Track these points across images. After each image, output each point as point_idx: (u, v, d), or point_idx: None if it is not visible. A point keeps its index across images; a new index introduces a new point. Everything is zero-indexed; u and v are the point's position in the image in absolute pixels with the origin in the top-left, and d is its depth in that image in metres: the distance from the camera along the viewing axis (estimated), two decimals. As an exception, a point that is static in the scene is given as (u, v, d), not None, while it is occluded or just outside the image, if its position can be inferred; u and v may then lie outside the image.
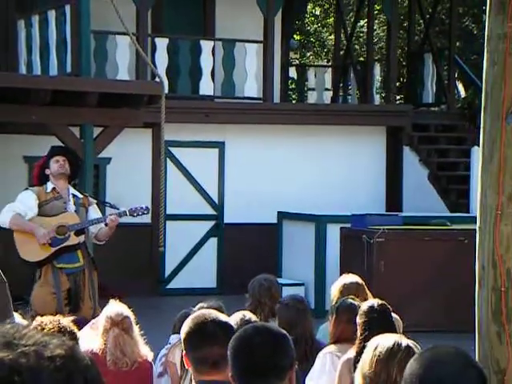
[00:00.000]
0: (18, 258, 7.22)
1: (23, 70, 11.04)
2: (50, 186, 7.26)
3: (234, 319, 4.67)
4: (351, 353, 4.43)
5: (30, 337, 1.23)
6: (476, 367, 1.90)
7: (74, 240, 7.15)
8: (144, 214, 7.57)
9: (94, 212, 7.39)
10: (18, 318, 4.75)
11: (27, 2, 12.24)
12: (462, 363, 1.88)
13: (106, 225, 7.22)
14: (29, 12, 11.52)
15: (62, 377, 1.19)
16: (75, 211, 7.23)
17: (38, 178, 7.34)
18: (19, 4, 12.04)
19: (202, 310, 3.24)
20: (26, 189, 7.52)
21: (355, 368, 4.31)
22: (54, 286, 7.05)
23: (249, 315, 4.72)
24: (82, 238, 7.25)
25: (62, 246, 7.08)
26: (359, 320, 4.46)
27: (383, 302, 4.61)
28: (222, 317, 3.08)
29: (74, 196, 7.32)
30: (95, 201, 7.65)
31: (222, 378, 2.88)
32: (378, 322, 4.38)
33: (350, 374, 4.37)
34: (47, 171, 7.25)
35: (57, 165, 7.20)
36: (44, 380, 1.17)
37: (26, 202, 7.22)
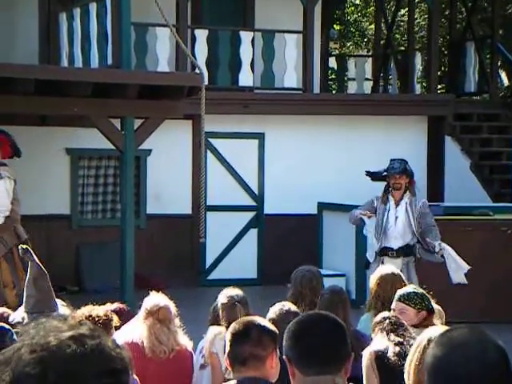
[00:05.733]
0: None
1: (65, 62, 11.13)
2: None
3: (273, 309, 4.69)
4: (378, 346, 4.44)
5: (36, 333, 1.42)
6: (492, 341, 1.86)
7: None
8: None
9: None
10: (62, 308, 4.80)
11: (69, -5, 12.35)
12: (480, 340, 1.84)
13: None
14: (70, 5, 11.61)
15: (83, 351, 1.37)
16: None
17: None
18: (61, -3, 12.15)
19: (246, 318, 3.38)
20: None
21: (376, 361, 4.35)
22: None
23: (288, 305, 4.73)
24: None
25: None
26: (373, 334, 4.54)
27: (395, 315, 4.67)
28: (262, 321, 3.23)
29: None
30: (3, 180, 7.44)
31: (255, 374, 2.97)
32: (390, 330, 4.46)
33: (372, 367, 4.39)
34: None
35: None
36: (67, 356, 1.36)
37: None
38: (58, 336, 1.38)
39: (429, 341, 3.25)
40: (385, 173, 8.27)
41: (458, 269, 7.94)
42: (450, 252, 7.99)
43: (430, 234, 8.13)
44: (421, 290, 5.13)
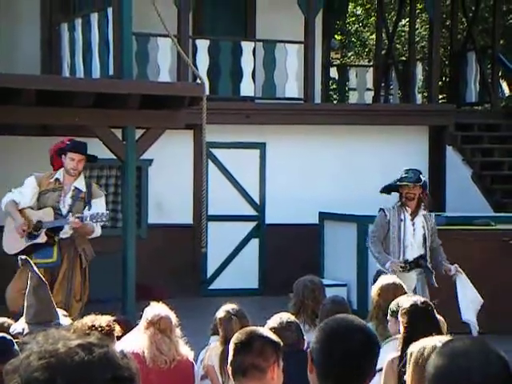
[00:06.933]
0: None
1: (66, 72, 11.16)
2: (57, 175, 7.31)
3: (272, 321, 4.68)
4: (396, 353, 4.39)
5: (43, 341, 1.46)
6: (494, 351, 1.85)
7: (43, 238, 7.20)
8: (103, 221, 7.50)
9: (95, 206, 7.37)
10: (63, 318, 4.80)
11: (70, 5, 12.39)
12: (482, 350, 1.84)
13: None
14: (72, 15, 11.65)
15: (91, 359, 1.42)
16: (70, 205, 7.24)
17: (56, 162, 7.43)
18: (63, 7, 12.18)
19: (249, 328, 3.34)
20: (32, 174, 7.52)
21: (398, 367, 4.28)
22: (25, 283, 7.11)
23: (286, 317, 4.73)
24: (64, 234, 7.25)
25: (32, 243, 7.17)
26: (402, 319, 4.41)
27: (425, 300, 4.55)
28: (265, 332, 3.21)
29: (75, 189, 7.32)
30: (103, 194, 7.62)
31: None
32: (422, 321, 4.32)
33: (394, 374, 4.33)
34: (63, 158, 7.32)
35: (71, 163, 7.26)
36: (73, 363, 1.40)
37: (24, 190, 7.34)
38: (67, 344, 1.41)
39: (424, 350, 3.24)
40: (398, 182, 8.01)
41: (468, 305, 7.63)
42: (464, 282, 7.68)
43: (439, 254, 7.98)
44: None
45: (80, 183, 7.39)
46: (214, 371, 5.00)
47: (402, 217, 7.92)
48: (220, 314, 5.09)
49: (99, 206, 7.46)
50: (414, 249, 7.89)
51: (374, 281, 7.99)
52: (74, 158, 7.27)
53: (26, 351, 1.43)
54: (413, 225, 7.89)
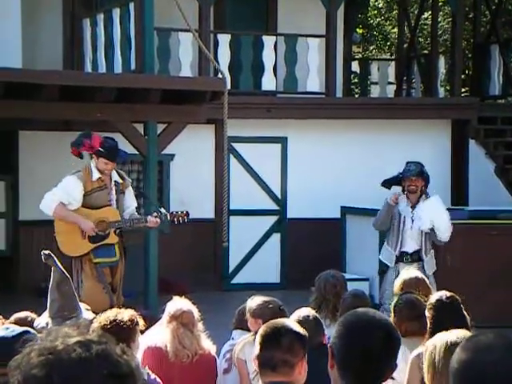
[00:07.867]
0: (56, 250, 7.23)
1: (88, 68, 11.20)
2: (95, 174, 7.31)
3: (294, 317, 4.65)
4: (421, 348, 4.36)
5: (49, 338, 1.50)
6: None
7: (113, 239, 7.20)
8: (184, 221, 7.53)
9: (129, 196, 7.46)
10: (85, 312, 4.82)
11: (92, 1, 12.43)
12: (506, 344, 1.84)
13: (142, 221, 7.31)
14: (94, 10, 11.69)
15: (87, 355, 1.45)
16: (116, 201, 7.29)
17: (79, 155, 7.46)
18: (85, 3, 12.22)
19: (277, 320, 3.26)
20: (73, 174, 7.46)
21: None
22: (100, 282, 7.12)
23: (305, 312, 4.70)
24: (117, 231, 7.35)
25: (102, 243, 7.16)
26: (428, 314, 4.37)
27: (452, 293, 4.50)
28: (294, 326, 3.15)
29: (115, 183, 7.39)
30: (130, 181, 7.72)
31: (284, 380, 2.94)
32: (448, 315, 4.28)
33: (420, 370, 4.31)
34: (94, 157, 7.35)
35: (105, 166, 7.33)
36: (70, 361, 1.44)
37: (71, 192, 7.25)
38: (66, 341, 1.45)
39: (445, 346, 3.22)
40: (400, 176, 8.27)
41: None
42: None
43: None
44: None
45: (116, 176, 7.50)
46: (244, 366, 4.92)
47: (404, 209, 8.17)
48: (258, 306, 4.90)
49: (131, 195, 7.57)
50: (413, 241, 8.10)
51: (379, 273, 8.32)
52: (107, 163, 7.32)
53: (28, 348, 1.46)
54: (412, 216, 8.07)
